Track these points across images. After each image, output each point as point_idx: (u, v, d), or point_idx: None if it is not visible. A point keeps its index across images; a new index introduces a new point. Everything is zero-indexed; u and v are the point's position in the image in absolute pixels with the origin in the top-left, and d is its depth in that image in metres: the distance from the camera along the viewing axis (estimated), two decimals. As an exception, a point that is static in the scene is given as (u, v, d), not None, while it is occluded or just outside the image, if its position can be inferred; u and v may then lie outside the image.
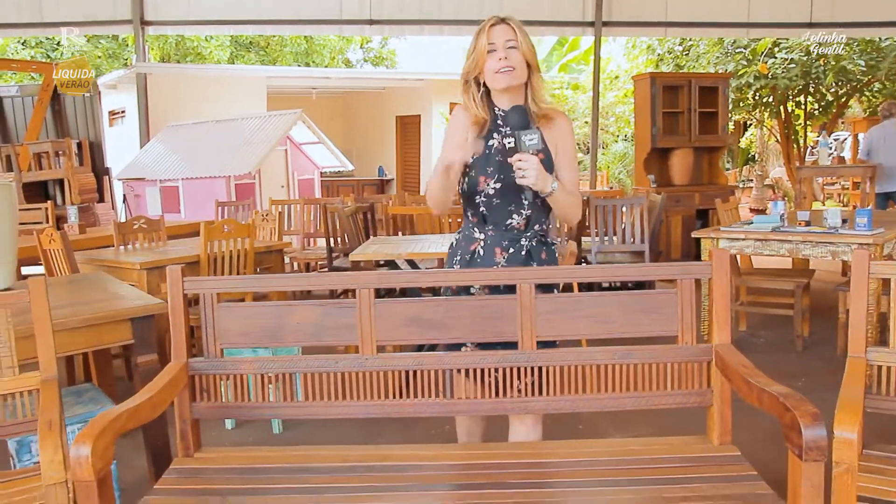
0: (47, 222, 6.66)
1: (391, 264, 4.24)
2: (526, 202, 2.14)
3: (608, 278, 2.35)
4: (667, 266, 2.13)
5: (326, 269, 5.91)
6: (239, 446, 3.25)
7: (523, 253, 2.17)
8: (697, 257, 7.59)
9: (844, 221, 4.04)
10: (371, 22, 9.19)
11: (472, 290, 2.18)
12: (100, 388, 3.02)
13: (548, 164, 2.10)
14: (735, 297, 5.00)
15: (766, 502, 1.73)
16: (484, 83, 2.17)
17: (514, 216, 2.15)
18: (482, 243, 2.19)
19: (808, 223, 4.08)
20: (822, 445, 1.52)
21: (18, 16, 8.85)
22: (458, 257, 2.22)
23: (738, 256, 5.10)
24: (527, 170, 2.00)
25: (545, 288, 2.14)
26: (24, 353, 2.13)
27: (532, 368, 2.09)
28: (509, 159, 2.05)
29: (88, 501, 1.56)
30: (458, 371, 2.11)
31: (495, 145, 2.14)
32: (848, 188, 13.37)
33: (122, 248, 4.68)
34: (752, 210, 13.71)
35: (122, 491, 2.69)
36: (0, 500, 1.87)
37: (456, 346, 2.16)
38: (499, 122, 2.16)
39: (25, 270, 4.56)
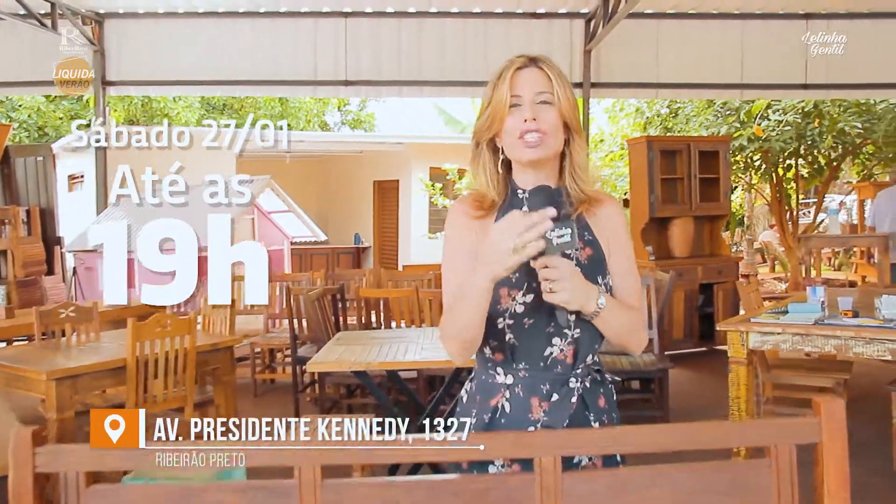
0: (-22, 302, 5.89)
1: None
2: (571, 320, 1.45)
3: (682, 447, 1.62)
4: (755, 425, 1.48)
5: (290, 361, 5.19)
6: None
7: (573, 399, 1.47)
8: (702, 337, 6.93)
9: (901, 312, 3.42)
10: (347, 83, 8.67)
11: (494, 468, 1.47)
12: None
13: (598, 267, 1.46)
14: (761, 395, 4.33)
15: None
16: (502, 149, 1.49)
17: (556, 342, 1.46)
18: (508, 393, 1.48)
19: (855, 313, 3.45)
20: None
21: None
22: (474, 419, 1.50)
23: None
24: (557, 280, 1.33)
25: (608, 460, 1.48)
26: None
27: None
28: (532, 263, 1.35)
29: None
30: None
31: None
32: (850, 254, 12.88)
33: (44, 338, 3.93)
34: (743, 276, 13.16)
35: None
36: None
37: None
38: (525, 207, 1.46)
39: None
